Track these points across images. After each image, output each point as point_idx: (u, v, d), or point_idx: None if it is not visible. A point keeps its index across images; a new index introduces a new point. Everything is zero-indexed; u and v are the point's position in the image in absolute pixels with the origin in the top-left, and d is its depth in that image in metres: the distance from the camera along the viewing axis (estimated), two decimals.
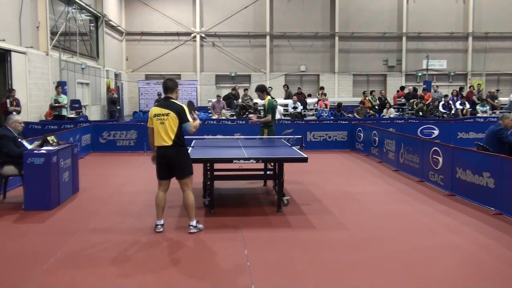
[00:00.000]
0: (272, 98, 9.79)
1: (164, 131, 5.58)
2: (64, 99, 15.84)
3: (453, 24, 26.45)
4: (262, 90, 8.60)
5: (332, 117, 18.15)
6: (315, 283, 4.40)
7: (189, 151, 6.12)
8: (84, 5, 19.55)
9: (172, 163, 5.67)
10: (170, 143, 5.59)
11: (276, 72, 26.28)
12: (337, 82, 26.39)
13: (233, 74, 25.84)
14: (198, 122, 5.88)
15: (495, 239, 5.60)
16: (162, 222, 5.84)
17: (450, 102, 18.84)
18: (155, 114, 5.64)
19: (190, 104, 6.97)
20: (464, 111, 18.87)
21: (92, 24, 21.83)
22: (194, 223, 5.77)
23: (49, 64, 16.24)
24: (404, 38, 26.44)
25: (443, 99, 19.15)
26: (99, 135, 13.60)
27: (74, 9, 19.27)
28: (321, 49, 26.44)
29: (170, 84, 5.79)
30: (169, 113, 5.58)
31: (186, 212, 5.87)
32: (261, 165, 7.95)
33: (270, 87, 22.41)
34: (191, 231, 5.73)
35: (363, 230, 6.00)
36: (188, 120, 5.66)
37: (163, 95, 5.95)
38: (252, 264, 4.79)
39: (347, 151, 13.73)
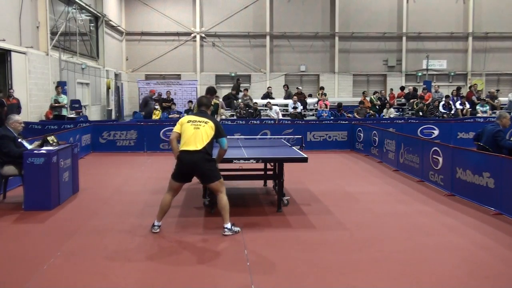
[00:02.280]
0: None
1: (199, 136, 5.63)
2: (64, 99, 15.84)
3: (453, 24, 26.43)
4: (215, 92, 8.86)
5: (332, 117, 18.13)
6: (315, 283, 4.40)
7: None
8: (84, 5, 19.54)
9: (197, 169, 5.67)
10: (199, 148, 5.59)
11: (276, 72, 26.27)
12: (337, 82, 26.37)
13: (233, 74, 25.82)
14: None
15: (495, 239, 5.60)
16: (160, 223, 5.85)
17: (450, 102, 18.83)
18: (189, 120, 5.78)
19: None
20: (464, 111, 18.85)
21: (92, 24, 21.82)
22: (228, 225, 5.72)
23: (49, 64, 16.24)
24: (404, 38, 26.42)
25: (443, 99, 19.13)
26: (99, 135, 13.60)
27: (74, 9, 19.26)
28: (321, 49, 26.42)
29: (206, 101, 6.12)
30: (207, 122, 5.75)
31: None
32: (261, 165, 7.95)
33: (270, 87, 22.47)
34: (225, 233, 5.67)
35: (363, 230, 6.00)
36: (225, 136, 5.83)
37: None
38: (252, 264, 4.79)
39: (347, 151, 13.73)
